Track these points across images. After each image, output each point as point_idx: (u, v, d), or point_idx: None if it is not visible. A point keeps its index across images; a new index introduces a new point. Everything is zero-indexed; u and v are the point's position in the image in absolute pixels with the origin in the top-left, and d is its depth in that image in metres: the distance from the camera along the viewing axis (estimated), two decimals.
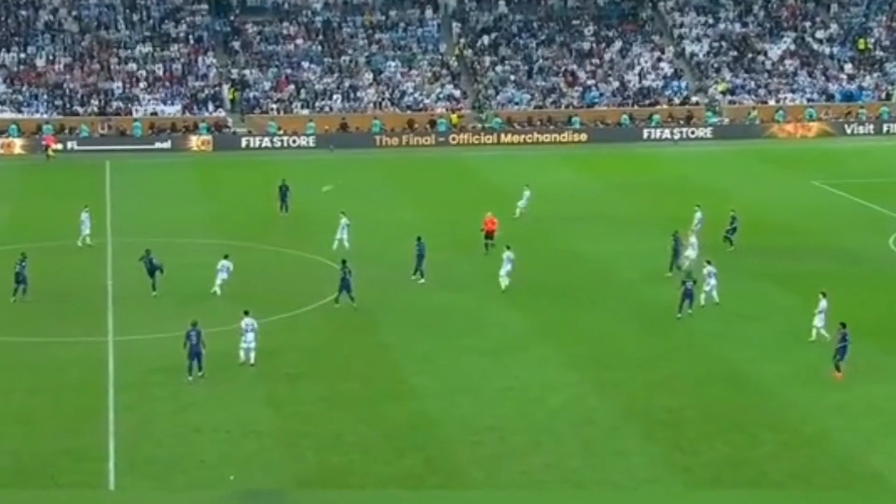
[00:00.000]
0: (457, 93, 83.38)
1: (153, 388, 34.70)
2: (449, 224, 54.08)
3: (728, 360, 36.28)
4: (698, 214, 49.64)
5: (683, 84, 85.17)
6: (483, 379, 35.13)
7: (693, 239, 45.75)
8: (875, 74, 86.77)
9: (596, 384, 34.45)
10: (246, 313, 36.55)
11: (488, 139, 78.89)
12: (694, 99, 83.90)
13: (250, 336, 36.21)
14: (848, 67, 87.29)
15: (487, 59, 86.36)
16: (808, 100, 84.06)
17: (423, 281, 45.05)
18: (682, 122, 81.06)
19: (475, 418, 32.08)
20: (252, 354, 36.18)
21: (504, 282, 43.80)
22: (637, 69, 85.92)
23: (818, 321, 37.20)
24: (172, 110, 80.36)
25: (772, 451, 29.62)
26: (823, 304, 37.28)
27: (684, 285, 40.17)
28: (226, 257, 43.66)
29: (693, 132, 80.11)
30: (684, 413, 32.10)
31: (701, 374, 35.07)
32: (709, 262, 41.69)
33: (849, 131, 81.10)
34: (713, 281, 41.05)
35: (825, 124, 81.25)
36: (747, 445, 29.99)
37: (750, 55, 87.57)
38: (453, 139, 78.92)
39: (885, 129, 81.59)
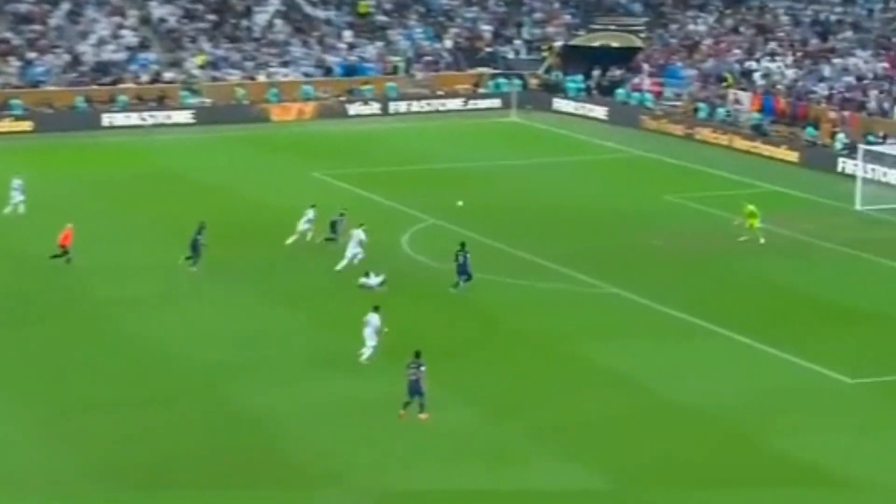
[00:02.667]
0: None
1: None
2: None
3: (232, 399, 36.09)
4: (310, 213, 50.68)
5: (152, 57, 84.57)
6: None
7: (360, 235, 47.60)
8: (378, 44, 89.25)
9: (59, 436, 33.67)
10: None
11: None
12: (167, 75, 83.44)
13: None
14: (347, 35, 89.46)
15: None
16: (305, 74, 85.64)
17: None
18: (153, 103, 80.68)
19: None
20: None
21: None
22: (93, 39, 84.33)
23: (368, 336, 37.99)
24: None
25: (269, 494, 30.64)
26: (370, 316, 38.09)
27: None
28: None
29: (170, 116, 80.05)
30: (168, 464, 31.99)
31: (197, 417, 34.85)
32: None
33: (352, 111, 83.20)
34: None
35: (325, 103, 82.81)
36: (246, 484, 30.86)
37: (232, 21, 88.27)
38: None
39: (391, 108, 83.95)
